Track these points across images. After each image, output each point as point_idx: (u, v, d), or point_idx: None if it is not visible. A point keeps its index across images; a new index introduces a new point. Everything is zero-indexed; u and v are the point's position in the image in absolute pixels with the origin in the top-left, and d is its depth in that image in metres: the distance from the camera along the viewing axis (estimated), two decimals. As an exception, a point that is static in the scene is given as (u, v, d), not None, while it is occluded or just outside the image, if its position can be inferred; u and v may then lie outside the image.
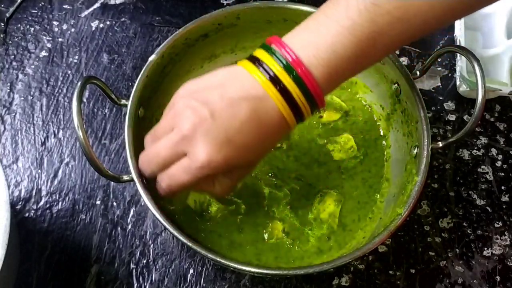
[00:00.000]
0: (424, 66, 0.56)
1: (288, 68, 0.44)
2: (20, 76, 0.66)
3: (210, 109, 0.44)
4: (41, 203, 0.59)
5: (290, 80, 0.44)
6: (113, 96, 0.53)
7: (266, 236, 0.55)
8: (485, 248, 0.59)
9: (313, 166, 0.58)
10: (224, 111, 0.44)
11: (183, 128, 0.44)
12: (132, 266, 0.56)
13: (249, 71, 0.45)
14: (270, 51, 0.45)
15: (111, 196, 0.59)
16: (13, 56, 0.67)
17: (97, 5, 0.71)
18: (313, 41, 0.44)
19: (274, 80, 0.44)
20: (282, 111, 0.45)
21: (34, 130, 0.63)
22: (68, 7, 0.70)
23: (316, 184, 0.57)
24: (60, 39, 0.68)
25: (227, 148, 0.44)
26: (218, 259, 0.47)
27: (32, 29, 0.69)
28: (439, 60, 0.68)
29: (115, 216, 0.59)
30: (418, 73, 0.57)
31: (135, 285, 0.56)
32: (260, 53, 0.45)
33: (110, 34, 0.69)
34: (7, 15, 0.69)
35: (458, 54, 0.65)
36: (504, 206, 0.61)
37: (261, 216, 0.55)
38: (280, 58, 0.44)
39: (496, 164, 0.63)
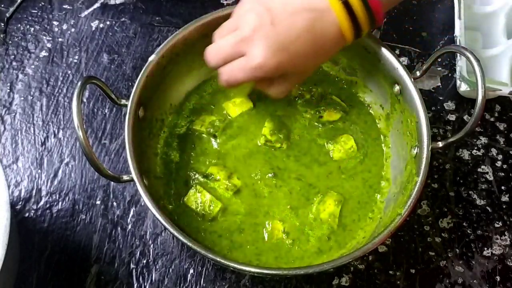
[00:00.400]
0: (424, 66, 0.56)
1: None
2: (20, 76, 0.66)
3: (272, 16, 0.47)
4: (41, 203, 0.59)
5: None
6: (113, 96, 0.53)
7: (266, 236, 0.55)
8: (485, 248, 0.59)
9: (313, 166, 0.58)
10: (284, 20, 0.47)
11: (245, 30, 0.48)
12: (132, 266, 0.56)
13: None
14: None
15: (111, 196, 0.59)
16: (13, 56, 0.67)
17: (97, 5, 0.71)
18: None
19: None
20: (342, 24, 0.48)
21: (34, 130, 0.63)
22: (68, 7, 0.70)
23: (316, 184, 0.57)
24: (60, 39, 0.68)
25: (281, 54, 0.48)
26: (218, 259, 0.47)
27: (32, 29, 0.69)
28: (439, 60, 0.68)
29: (115, 216, 0.59)
30: (418, 73, 0.56)
31: (135, 285, 0.56)
32: None
33: (110, 34, 0.69)
34: (7, 15, 0.69)
35: (458, 54, 0.65)
36: (504, 206, 0.61)
37: (261, 216, 0.55)
38: None
39: (496, 164, 0.63)
